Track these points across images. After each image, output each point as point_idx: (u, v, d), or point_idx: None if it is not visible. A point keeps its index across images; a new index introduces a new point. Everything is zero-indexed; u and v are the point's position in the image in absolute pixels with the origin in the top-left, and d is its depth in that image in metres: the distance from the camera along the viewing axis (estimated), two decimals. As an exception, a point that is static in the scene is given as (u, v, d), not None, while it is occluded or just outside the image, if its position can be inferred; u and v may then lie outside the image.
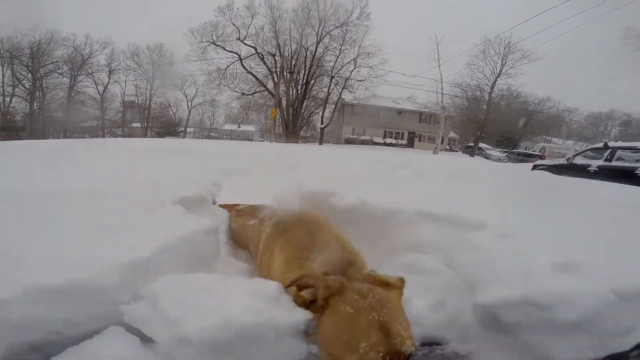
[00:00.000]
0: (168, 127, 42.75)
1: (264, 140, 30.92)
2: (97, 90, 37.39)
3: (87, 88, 36.69)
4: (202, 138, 39.80)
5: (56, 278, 0.92)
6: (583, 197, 2.84)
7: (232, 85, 27.35)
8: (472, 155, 27.08)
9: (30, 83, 32.70)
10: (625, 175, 7.25)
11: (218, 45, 26.12)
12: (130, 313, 0.92)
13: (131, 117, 41.32)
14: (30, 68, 32.10)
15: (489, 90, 29.61)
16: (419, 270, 1.46)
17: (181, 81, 38.04)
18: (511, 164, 18.85)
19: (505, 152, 31.75)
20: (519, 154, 29.65)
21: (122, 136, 34.93)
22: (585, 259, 1.03)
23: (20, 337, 0.85)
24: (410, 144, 35.01)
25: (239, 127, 49.91)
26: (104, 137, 33.40)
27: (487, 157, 27.41)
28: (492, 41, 27.83)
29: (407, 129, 35.59)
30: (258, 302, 0.93)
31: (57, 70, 33.66)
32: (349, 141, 32.70)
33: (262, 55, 26.31)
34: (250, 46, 26.26)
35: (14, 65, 31.54)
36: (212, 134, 48.96)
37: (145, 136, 35.48)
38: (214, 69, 26.96)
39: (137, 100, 40.20)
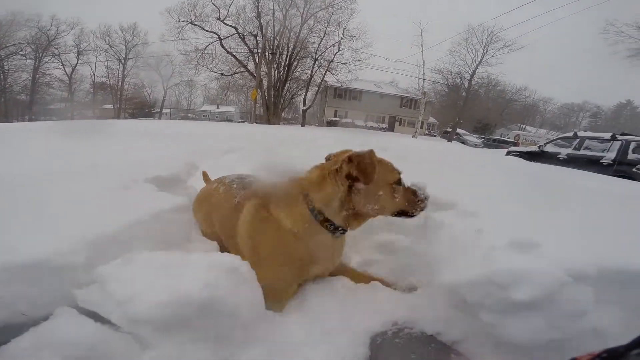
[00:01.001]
0: (142, 108, 40.99)
1: (244, 122, 30.23)
2: (65, 71, 35.29)
3: (53, 70, 34.52)
4: (178, 119, 38.49)
5: (21, 256, 0.89)
6: (550, 182, 2.95)
7: (210, 65, 26.26)
8: (450, 140, 27.67)
9: (-10, 65, 30.34)
10: (591, 164, 7.59)
11: (196, 25, 24.87)
12: (83, 297, 0.89)
13: (103, 99, 39.26)
14: (-12, 50, 29.67)
15: (469, 78, 30.02)
16: (392, 250, 1.50)
17: (156, 61, 36.30)
18: (487, 150, 19.44)
19: (482, 138, 32.63)
20: (494, 140, 30.53)
21: (93, 118, 33.19)
22: (544, 239, 1.04)
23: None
24: (390, 128, 35.32)
25: (218, 108, 48.51)
26: (72, 119, 31.66)
27: (464, 142, 28.11)
28: (476, 29, 28.05)
29: (388, 113, 35.80)
30: (215, 275, 0.91)
31: (20, 52, 31.35)
32: (330, 123, 32.55)
33: (243, 35, 25.27)
34: (231, 26, 25.14)
35: (-28, 48, 29.12)
36: (189, 115, 47.40)
37: (118, 118, 33.90)
38: (192, 49, 25.74)
39: (108, 82, 38.22)
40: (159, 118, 39.30)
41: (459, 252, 1.07)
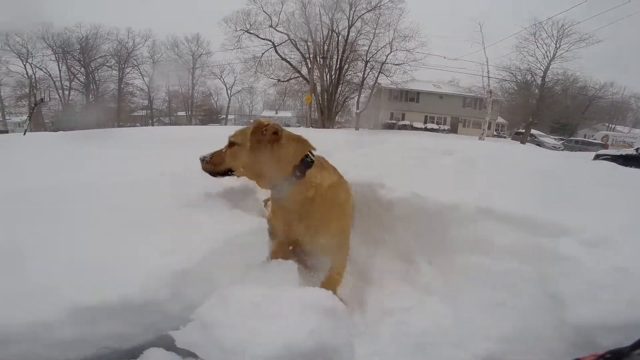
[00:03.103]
0: (210, 115, 44.50)
1: (300, 126, 31.03)
2: (144, 81, 39.42)
3: (134, 80, 38.77)
4: (242, 124, 40.79)
5: (102, 295, 0.88)
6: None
7: (267, 72, 27.52)
8: (523, 142, 24.98)
9: (84, 77, 35.37)
10: None
11: (252, 33, 26.25)
12: (182, 339, 0.87)
13: (176, 106, 43.39)
14: (82, 62, 34.57)
15: (541, 75, 26.89)
16: (483, 276, 1.28)
17: (220, 70, 39.18)
18: (568, 153, 17.20)
19: (561, 139, 28.97)
20: (577, 142, 26.88)
21: (170, 124, 36.82)
22: None
23: (69, 355, 0.83)
24: (453, 130, 33.23)
25: (276, 113, 50.52)
26: (153, 125, 35.44)
27: (540, 144, 25.14)
28: (544, 23, 25.09)
29: (450, 114, 33.73)
30: (317, 319, 0.85)
31: (107, 64, 35.84)
32: (386, 126, 31.76)
33: (294, 41, 26.06)
34: (283, 33, 26.11)
35: (68, 60, 34.23)
36: (251, 120, 49.92)
37: (190, 124, 37.08)
38: (250, 57, 27.24)
39: (180, 90, 42.14)
40: (225, 124, 42.20)
41: (591, 289, 0.89)
